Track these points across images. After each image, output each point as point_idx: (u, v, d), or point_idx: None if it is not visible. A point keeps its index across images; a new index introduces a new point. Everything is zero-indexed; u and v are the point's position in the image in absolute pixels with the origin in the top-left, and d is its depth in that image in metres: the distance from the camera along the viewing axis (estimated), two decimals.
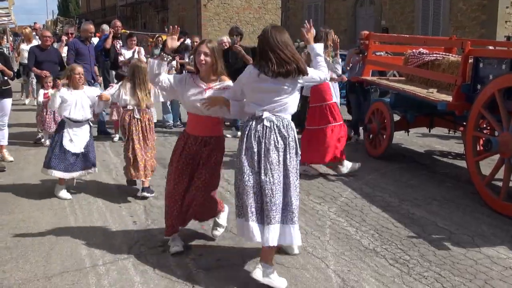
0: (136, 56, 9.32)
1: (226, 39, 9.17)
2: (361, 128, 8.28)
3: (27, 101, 12.06)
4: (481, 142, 5.96)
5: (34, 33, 12.09)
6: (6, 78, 6.66)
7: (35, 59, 8.00)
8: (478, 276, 3.64)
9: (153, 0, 38.92)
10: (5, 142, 6.95)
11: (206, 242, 4.16)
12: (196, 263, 3.77)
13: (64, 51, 8.99)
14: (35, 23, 12.37)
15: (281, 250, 3.87)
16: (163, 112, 9.68)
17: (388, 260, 3.88)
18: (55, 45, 9.60)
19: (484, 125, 6.28)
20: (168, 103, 9.61)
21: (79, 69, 5.40)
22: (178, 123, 9.88)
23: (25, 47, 10.29)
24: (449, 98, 5.98)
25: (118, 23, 9.44)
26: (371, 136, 7.53)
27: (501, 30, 14.28)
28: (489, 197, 5.12)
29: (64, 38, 9.65)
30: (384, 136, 7.15)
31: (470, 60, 5.84)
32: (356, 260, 3.87)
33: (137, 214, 4.86)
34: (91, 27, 8.56)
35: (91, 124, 5.56)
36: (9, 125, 7.23)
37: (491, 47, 7.51)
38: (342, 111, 10.27)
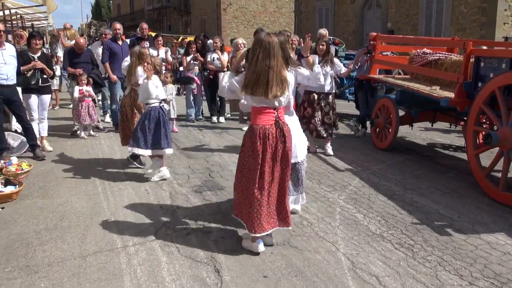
0: (163, 56, 9.35)
1: (241, 41, 9.12)
2: (368, 122, 8.19)
3: (56, 108, 11.19)
4: (481, 136, 5.86)
5: (62, 33, 11.96)
6: (45, 76, 6.73)
7: (70, 61, 8.04)
8: (478, 261, 3.58)
9: (178, 5, 38.95)
10: (45, 133, 7.05)
11: (227, 226, 4.16)
12: (218, 245, 3.76)
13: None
14: (65, 24, 12.30)
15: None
16: (186, 106, 9.69)
17: (394, 245, 3.83)
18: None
19: (484, 120, 6.17)
20: (192, 98, 9.62)
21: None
22: (200, 117, 9.90)
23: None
24: (451, 95, 5.88)
25: (145, 25, 9.44)
26: (377, 130, 7.46)
27: (500, 32, 14.01)
28: (489, 187, 5.03)
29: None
30: (390, 130, 7.06)
31: (472, 60, 5.73)
32: (364, 244, 3.83)
33: (163, 200, 4.87)
34: (118, 25, 8.52)
35: None
36: (48, 119, 7.30)
37: (484, 47, 7.34)
38: (351, 107, 10.24)
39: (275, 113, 3.49)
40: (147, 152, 5.43)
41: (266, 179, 3.47)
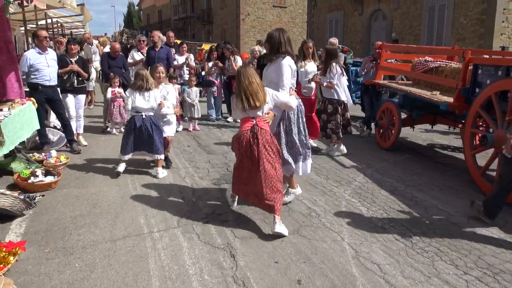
0: (187, 61, 9.39)
1: (257, 48, 9.10)
2: (372, 124, 8.12)
3: (91, 107, 11.28)
4: (477, 138, 5.77)
5: (96, 41, 12.08)
6: (81, 78, 6.82)
7: (107, 63, 8.12)
8: (472, 252, 3.53)
9: (201, 15, 39.07)
10: (81, 130, 7.15)
11: (242, 215, 4.17)
12: (234, 233, 3.78)
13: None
14: (85, 34, 12.33)
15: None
16: (207, 107, 9.73)
17: (395, 236, 3.80)
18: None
19: (480, 123, 6.07)
20: (212, 100, 9.65)
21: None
22: (220, 117, 9.93)
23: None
24: (451, 100, 5.80)
25: (171, 34, 9.49)
26: (381, 131, 7.39)
27: (497, 42, 13.75)
28: (484, 185, 4.96)
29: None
30: (393, 131, 7.00)
31: (470, 67, 5.64)
32: (367, 235, 3.81)
33: (185, 191, 4.91)
34: (155, 33, 8.51)
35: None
36: (84, 117, 7.40)
37: (486, 56, 7.23)
38: (357, 109, 10.16)
39: (253, 122, 3.89)
40: (128, 156, 5.39)
41: (245, 169, 3.93)
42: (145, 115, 5.36)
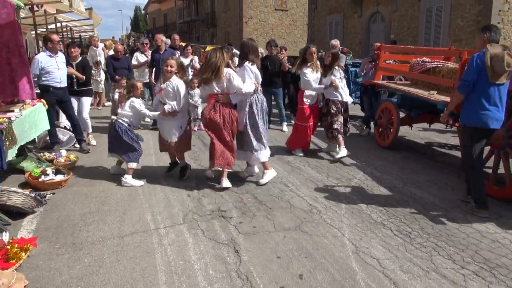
0: (192, 63, 9.38)
1: (260, 49, 9.07)
2: (372, 123, 8.09)
3: (100, 108, 10.98)
4: None
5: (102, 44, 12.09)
6: (80, 81, 6.75)
7: (112, 65, 8.14)
8: (469, 247, 3.52)
9: (205, 18, 39.07)
10: (89, 130, 7.15)
11: (246, 212, 4.17)
12: (237, 229, 3.78)
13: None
14: (92, 37, 12.26)
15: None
16: None
17: (393, 231, 3.79)
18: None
19: None
20: None
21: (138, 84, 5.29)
22: None
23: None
24: (448, 99, 5.76)
25: (176, 37, 9.47)
26: (380, 130, 7.37)
27: None
28: None
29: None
30: (391, 130, 6.97)
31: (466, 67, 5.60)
32: (366, 231, 3.80)
33: (191, 188, 4.91)
34: (158, 36, 8.51)
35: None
36: (93, 117, 7.40)
37: None
38: (356, 109, 10.13)
39: (215, 97, 4.68)
40: (109, 155, 5.30)
41: (212, 136, 4.75)
42: (115, 119, 5.12)
